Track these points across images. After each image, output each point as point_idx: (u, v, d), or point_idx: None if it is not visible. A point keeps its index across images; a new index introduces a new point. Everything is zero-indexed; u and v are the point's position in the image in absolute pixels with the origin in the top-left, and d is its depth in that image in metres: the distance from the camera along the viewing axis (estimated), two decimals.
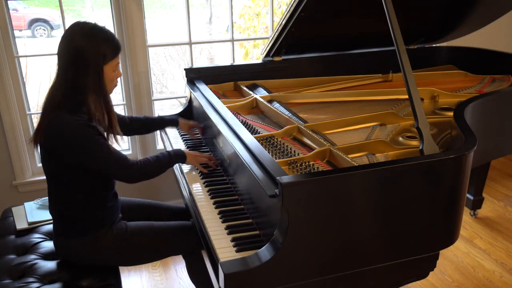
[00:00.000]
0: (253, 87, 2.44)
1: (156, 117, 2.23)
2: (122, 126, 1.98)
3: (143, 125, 2.16)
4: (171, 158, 1.84)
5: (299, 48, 2.54)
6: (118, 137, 1.77)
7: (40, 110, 1.64)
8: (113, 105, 1.70)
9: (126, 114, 2.15)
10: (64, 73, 1.58)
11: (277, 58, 2.53)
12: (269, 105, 2.09)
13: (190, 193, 1.82)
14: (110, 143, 1.67)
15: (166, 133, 2.34)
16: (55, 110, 1.57)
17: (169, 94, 5.79)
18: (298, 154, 1.67)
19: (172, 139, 2.27)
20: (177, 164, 2.07)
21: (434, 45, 2.88)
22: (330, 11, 2.24)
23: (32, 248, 1.80)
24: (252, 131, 1.90)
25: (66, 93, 1.57)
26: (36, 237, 1.87)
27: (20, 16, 8.22)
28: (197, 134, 2.28)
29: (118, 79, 1.75)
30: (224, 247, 1.45)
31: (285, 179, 1.27)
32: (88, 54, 1.54)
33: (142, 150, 2.91)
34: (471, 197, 2.89)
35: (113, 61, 1.62)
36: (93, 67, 1.56)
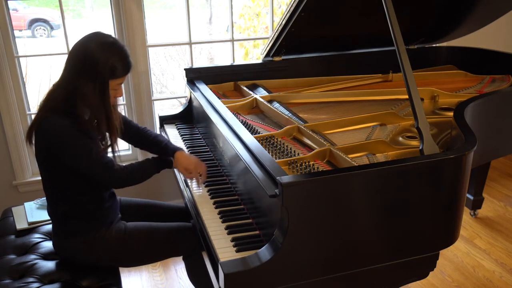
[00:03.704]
0: (253, 87, 2.44)
1: (163, 144, 1.90)
2: (127, 133, 1.91)
3: (145, 143, 1.94)
4: (157, 164, 1.80)
5: (299, 48, 2.53)
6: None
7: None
8: (116, 117, 1.68)
9: (140, 125, 1.99)
10: (69, 76, 1.59)
11: (277, 58, 2.53)
12: (269, 105, 2.09)
13: (190, 193, 1.82)
14: (108, 152, 1.67)
15: (166, 133, 2.34)
16: (50, 111, 1.57)
17: (169, 94, 5.79)
18: (298, 154, 1.67)
19: (172, 140, 2.26)
20: None
21: (434, 45, 2.88)
22: (330, 11, 2.24)
23: (32, 248, 1.80)
24: (252, 131, 1.90)
25: (65, 96, 1.58)
26: (36, 237, 1.87)
27: (20, 16, 8.23)
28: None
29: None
30: (224, 247, 1.45)
31: (285, 179, 1.27)
32: (99, 64, 1.55)
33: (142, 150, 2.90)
34: (471, 197, 2.89)
35: (118, 80, 1.62)
36: (100, 78, 1.56)
